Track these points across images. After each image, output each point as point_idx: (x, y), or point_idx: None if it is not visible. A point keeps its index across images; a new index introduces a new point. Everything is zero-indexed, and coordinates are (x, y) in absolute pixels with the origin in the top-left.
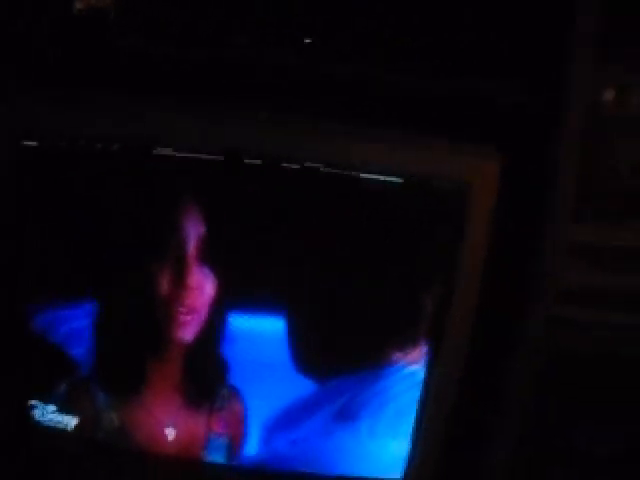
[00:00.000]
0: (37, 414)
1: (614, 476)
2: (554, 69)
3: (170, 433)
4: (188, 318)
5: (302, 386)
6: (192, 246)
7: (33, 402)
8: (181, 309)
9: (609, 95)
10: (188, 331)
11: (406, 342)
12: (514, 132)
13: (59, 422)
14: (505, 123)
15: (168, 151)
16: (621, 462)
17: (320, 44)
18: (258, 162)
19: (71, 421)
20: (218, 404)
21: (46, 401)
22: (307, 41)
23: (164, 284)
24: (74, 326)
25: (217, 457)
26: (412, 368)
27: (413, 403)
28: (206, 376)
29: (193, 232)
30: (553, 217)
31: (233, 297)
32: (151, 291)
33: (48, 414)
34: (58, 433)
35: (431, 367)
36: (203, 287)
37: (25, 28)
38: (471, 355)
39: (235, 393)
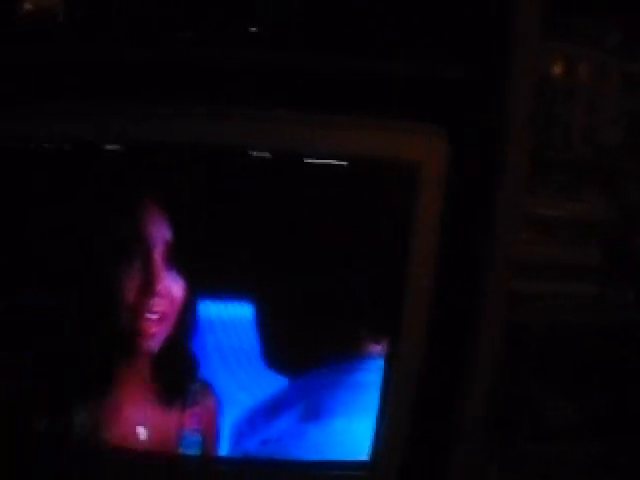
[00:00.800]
0: None
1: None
2: (498, 39)
3: (142, 432)
4: (156, 320)
5: (273, 381)
6: (158, 249)
7: None
8: (149, 313)
9: (558, 68)
10: (157, 333)
11: (370, 331)
12: (461, 108)
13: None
14: (452, 99)
15: (118, 147)
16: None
17: (265, 32)
18: (205, 151)
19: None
20: (190, 400)
21: None
22: (252, 30)
23: (131, 288)
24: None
25: (192, 453)
26: (378, 358)
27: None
28: (176, 373)
29: (158, 234)
30: (505, 189)
31: (201, 293)
32: (118, 294)
33: None
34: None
35: (394, 349)
36: (171, 291)
37: None
38: (432, 335)
39: (207, 387)
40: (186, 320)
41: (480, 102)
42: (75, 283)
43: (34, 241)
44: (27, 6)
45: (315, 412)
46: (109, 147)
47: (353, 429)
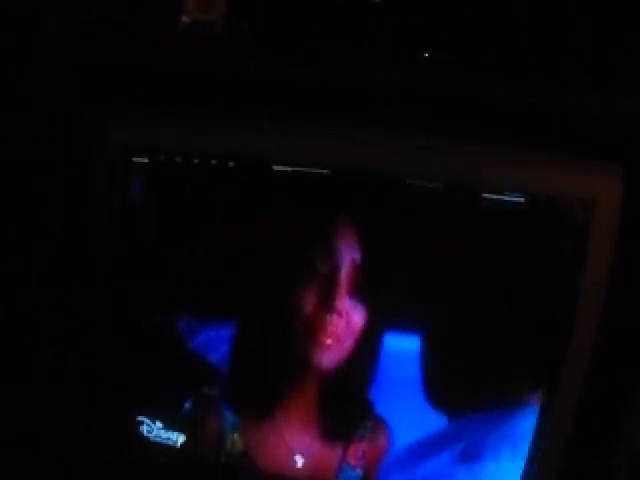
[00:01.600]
0: (145, 430)
1: None
2: None
3: (299, 461)
4: (331, 346)
5: (434, 421)
6: (344, 272)
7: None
8: (325, 336)
9: None
10: (329, 357)
11: (532, 380)
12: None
13: (170, 440)
14: (630, 139)
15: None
16: None
17: (435, 58)
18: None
19: (183, 440)
20: (359, 435)
21: (164, 418)
22: (425, 55)
23: (309, 309)
24: (213, 343)
25: None
26: (534, 407)
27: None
28: (347, 408)
29: (347, 257)
30: None
31: (378, 322)
32: (295, 313)
33: (158, 430)
34: (170, 451)
35: (550, 399)
36: (350, 316)
37: (132, 44)
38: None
39: (381, 425)
40: (363, 350)
41: None
42: (255, 299)
43: (220, 252)
44: (185, 19)
45: (468, 455)
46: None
47: (502, 474)
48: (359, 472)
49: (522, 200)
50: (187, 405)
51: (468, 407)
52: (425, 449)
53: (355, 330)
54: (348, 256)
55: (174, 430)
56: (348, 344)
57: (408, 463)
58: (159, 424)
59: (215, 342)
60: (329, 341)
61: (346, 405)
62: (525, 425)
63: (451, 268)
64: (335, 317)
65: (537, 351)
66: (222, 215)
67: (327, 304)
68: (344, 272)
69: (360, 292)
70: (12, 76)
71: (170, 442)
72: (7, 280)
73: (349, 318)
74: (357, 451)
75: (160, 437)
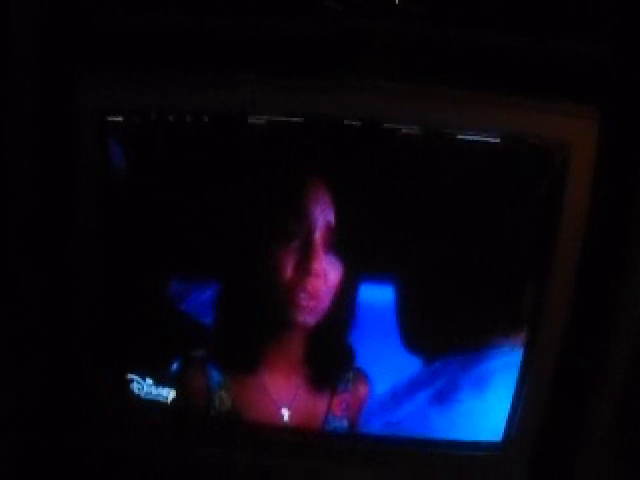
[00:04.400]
0: (136, 387)
1: None
2: None
3: (285, 414)
4: (311, 304)
5: (410, 366)
6: (318, 234)
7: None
8: (304, 294)
9: None
10: (310, 316)
11: (509, 323)
12: (613, 90)
13: (161, 396)
14: (604, 80)
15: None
16: None
17: (410, 6)
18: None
19: (174, 395)
20: (342, 387)
21: (153, 375)
22: (396, 2)
23: (288, 268)
24: (196, 303)
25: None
26: (512, 349)
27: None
28: (330, 361)
29: (320, 218)
30: None
31: (355, 277)
32: (275, 274)
33: (148, 387)
34: (161, 407)
35: (533, 338)
36: (328, 275)
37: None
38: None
39: (361, 375)
40: (342, 304)
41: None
42: (236, 260)
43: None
44: None
45: (447, 395)
46: (278, 119)
47: (485, 411)
48: (345, 422)
49: (498, 141)
50: (174, 366)
51: (444, 350)
52: (403, 393)
53: (333, 287)
54: (322, 218)
55: (164, 386)
56: (327, 301)
57: (388, 407)
58: (149, 381)
59: (200, 304)
60: (309, 302)
61: (328, 357)
62: (506, 363)
63: (426, 213)
64: (313, 279)
65: (515, 293)
66: (200, 175)
67: (305, 267)
68: (318, 234)
69: (336, 250)
70: None
71: (161, 398)
72: None
73: (327, 277)
74: (341, 403)
75: (150, 394)
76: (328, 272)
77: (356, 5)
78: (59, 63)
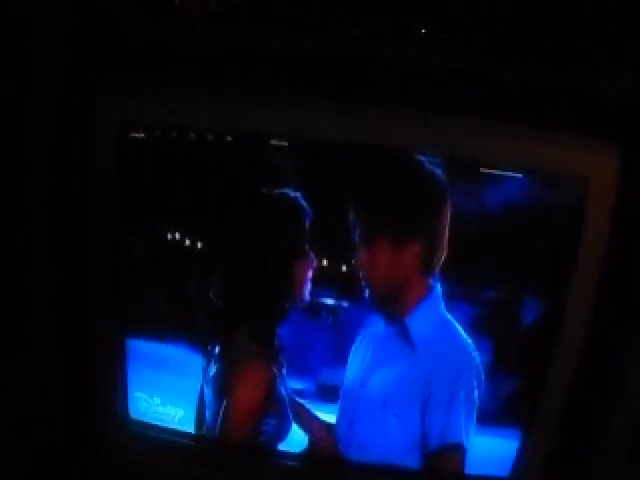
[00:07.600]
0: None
1: None
2: None
3: None
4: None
5: None
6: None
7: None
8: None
9: None
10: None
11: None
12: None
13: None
14: (628, 119)
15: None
16: None
17: (437, 35)
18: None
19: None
20: None
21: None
22: (423, 32)
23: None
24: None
25: None
26: None
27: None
28: None
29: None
30: None
31: None
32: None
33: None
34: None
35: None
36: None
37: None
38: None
39: None
40: None
41: None
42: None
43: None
44: None
45: None
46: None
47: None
48: None
49: (520, 176)
50: None
51: None
52: None
53: None
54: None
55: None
56: None
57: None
58: (156, 400)
59: None
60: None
61: None
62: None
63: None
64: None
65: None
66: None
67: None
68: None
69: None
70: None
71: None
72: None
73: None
74: None
75: (157, 413)
76: None
77: (377, 32)
78: (81, 81)
